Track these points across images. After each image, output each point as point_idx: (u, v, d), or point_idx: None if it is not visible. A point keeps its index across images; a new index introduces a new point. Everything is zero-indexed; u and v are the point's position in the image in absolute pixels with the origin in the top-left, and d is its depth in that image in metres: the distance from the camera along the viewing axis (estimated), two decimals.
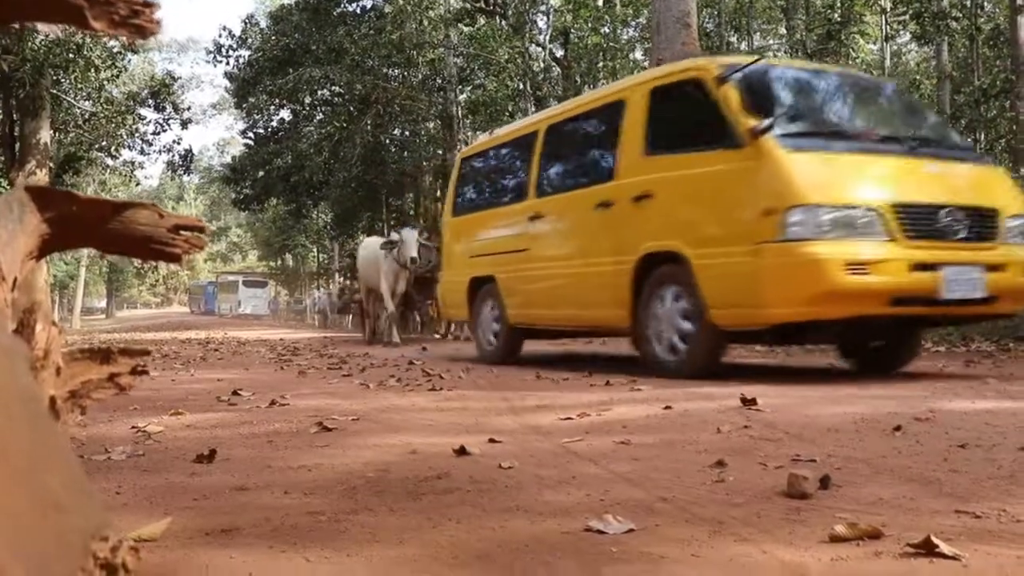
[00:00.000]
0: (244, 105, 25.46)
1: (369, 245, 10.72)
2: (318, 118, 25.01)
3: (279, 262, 50.84)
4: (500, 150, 6.75)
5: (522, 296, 5.96)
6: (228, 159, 39.96)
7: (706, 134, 4.37)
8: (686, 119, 4.70)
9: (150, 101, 18.26)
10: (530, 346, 7.24)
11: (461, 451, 2.27)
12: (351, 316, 18.32)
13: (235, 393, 4.02)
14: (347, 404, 3.55)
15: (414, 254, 9.49)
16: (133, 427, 2.90)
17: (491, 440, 2.48)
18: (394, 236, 9.91)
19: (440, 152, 24.23)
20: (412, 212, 29.43)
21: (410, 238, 9.56)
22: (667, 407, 3.14)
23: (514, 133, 6.55)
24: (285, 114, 26.56)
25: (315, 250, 42.96)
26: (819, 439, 2.40)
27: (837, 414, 2.91)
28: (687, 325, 4.45)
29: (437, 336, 12.25)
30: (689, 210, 4.44)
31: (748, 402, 3.12)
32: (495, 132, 7.19)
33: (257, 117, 26.42)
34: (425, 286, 10.41)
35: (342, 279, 33.66)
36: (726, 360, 5.10)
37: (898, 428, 2.51)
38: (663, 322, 4.57)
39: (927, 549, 1.26)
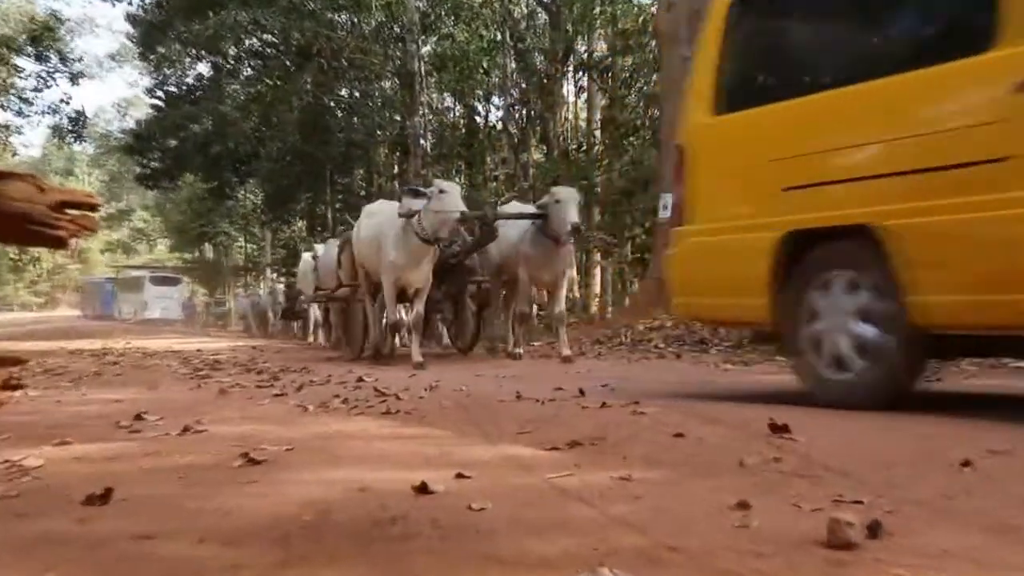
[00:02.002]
0: (151, 56, 25.32)
1: (377, 211, 9.01)
2: (245, 74, 24.95)
3: (196, 254, 50.49)
4: None
5: (970, 265, 3.62)
6: (131, 124, 39.67)
7: None
8: None
9: (29, 48, 18.04)
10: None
11: (422, 488, 2.25)
12: (303, 323, 17.99)
13: (138, 417, 3.98)
14: (280, 430, 3.52)
15: (464, 208, 7.75)
16: (5, 461, 2.85)
17: (459, 475, 2.47)
18: (428, 190, 7.97)
19: (398, 118, 24.20)
20: (363, 192, 29.37)
21: (455, 190, 7.94)
22: (678, 434, 3.14)
23: None
24: (203, 68, 26.45)
25: (242, 239, 42.73)
26: (867, 475, 2.41)
27: (890, 444, 2.93)
28: None
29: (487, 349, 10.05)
30: None
31: (778, 428, 3.12)
32: None
33: (168, 72, 26.28)
34: (452, 277, 9.07)
35: (275, 275, 33.51)
36: None
37: (967, 463, 2.53)
38: None
39: None
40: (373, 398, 4.81)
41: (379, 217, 8.67)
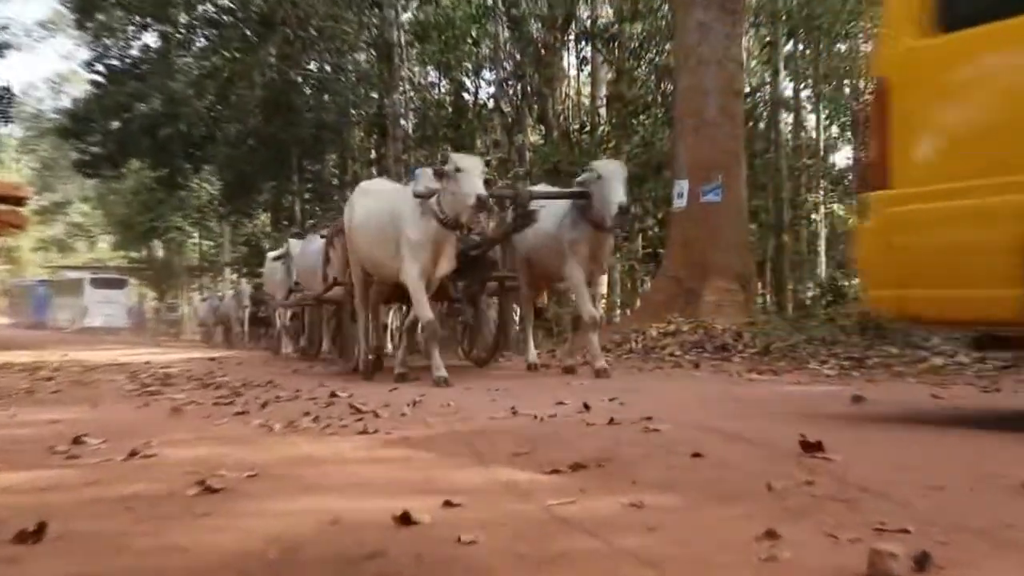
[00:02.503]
0: (90, 24, 25.26)
1: (378, 190, 8.51)
2: (199, 45, 24.88)
3: (144, 252, 50.37)
4: None
5: None
6: (67, 103, 39.58)
7: None
8: None
9: None
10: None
11: (404, 518, 2.25)
12: (273, 331, 17.66)
13: (77, 441, 3.96)
14: (241, 454, 3.51)
15: (483, 191, 7.01)
16: None
17: (447, 503, 2.47)
18: (447, 167, 7.24)
19: (375, 96, 24.18)
20: (336, 181, 29.36)
21: (474, 168, 7.19)
22: (696, 454, 3.14)
23: None
24: (150, 39, 26.39)
25: (197, 235, 42.66)
26: (914, 499, 2.41)
27: (939, 464, 2.93)
28: None
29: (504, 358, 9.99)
30: None
31: (811, 447, 3.13)
32: None
33: (109, 42, 26.21)
34: (471, 272, 8.49)
35: (236, 275, 33.44)
36: None
37: None
38: None
39: None
40: (348, 416, 4.81)
41: (382, 197, 8.09)
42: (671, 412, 4.48)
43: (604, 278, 9.28)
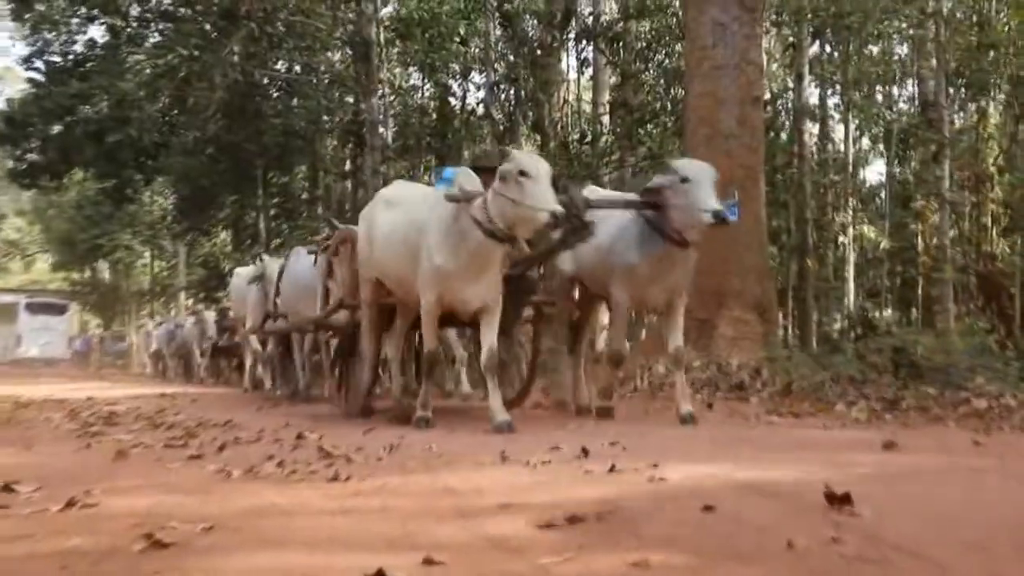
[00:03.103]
0: (27, 16, 25.25)
1: (403, 197, 7.89)
2: (152, 41, 24.87)
3: (88, 274, 50.26)
4: None
5: None
6: (1, 104, 39.56)
7: None
8: None
9: None
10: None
11: None
12: (242, 364, 17.25)
13: (7, 488, 3.94)
14: (195, 504, 3.50)
15: (559, 207, 6.26)
16: None
17: (427, 560, 2.47)
18: (508, 167, 6.42)
19: (351, 100, 24.23)
20: (305, 195, 29.39)
21: (544, 174, 6.42)
22: (707, 507, 3.14)
23: None
24: (97, 32, 26.40)
25: (148, 255, 42.58)
26: (953, 561, 2.41)
27: (981, 519, 2.93)
28: None
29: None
30: None
31: (837, 499, 3.13)
32: None
33: (50, 36, 26.22)
34: (508, 293, 7.42)
35: (192, 301, 33.36)
36: None
37: None
38: None
39: None
40: (317, 460, 4.80)
41: (410, 202, 7.54)
42: (680, 459, 4.48)
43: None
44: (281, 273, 12.33)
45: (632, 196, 7.56)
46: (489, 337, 6.98)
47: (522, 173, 6.32)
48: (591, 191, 7.88)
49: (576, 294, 8.42)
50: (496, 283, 7.00)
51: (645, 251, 7.17)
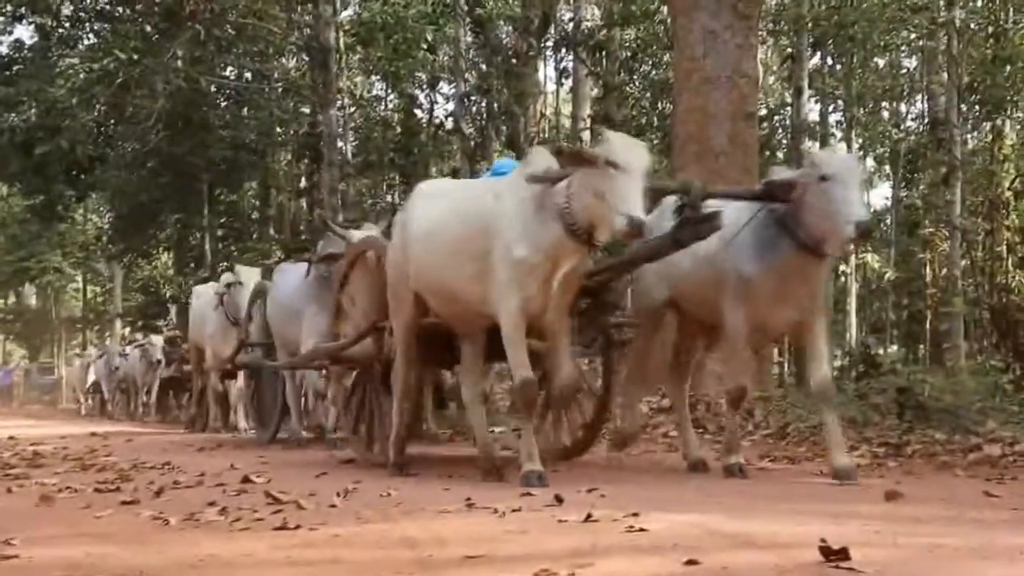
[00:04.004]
0: None
1: (448, 189, 7.30)
2: (87, 43, 24.83)
3: (11, 300, 49.88)
4: None
5: None
6: None
7: None
8: None
9: None
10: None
11: None
12: (192, 398, 16.55)
13: None
14: (127, 555, 3.49)
15: (640, 214, 5.56)
16: None
17: None
18: (598, 150, 5.79)
19: (307, 111, 24.23)
20: (256, 215, 29.31)
21: (638, 165, 5.69)
22: (691, 561, 3.15)
23: None
24: (24, 33, 26.34)
25: (80, 279, 42.33)
26: None
27: None
28: None
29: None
30: None
31: (834, 554, 3.14)
32: None
33: None
34: (587, 312, 7.08)
35: (130, 330, 33.14)
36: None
37: None
38: None
39: None
40: (264, 507, 4.79)
41: (463, 194, 6.82)
42: (662, 507, 4.49)
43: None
44: (258, 294, 11.60)
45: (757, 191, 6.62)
46: (564, 363, 6.27)
47: (611, 163, 5.61)
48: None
49: (669, 319, 7.31)
50: (568, 296, 6.24)
51: (773, 258, 6.20)
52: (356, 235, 8.49)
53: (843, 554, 3.13)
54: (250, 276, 12.64)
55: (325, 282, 9.23)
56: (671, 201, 6.47)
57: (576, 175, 5.77)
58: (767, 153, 20.07)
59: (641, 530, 3.80)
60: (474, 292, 6.23)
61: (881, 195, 30.59)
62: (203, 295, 14.37)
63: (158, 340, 20.83)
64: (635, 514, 4.12)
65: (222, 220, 28.08)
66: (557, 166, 5.89)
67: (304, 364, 9.80)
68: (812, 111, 24.23)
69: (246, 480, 6.11)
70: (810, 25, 21.43)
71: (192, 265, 28.59)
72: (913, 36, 22.38)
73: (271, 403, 11.49)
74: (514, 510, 4.45)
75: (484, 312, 6.23)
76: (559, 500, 4.71)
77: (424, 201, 6.87)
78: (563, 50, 22.66)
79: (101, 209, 32.71)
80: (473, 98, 22.69)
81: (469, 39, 22.31)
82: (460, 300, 6.46)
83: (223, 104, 25.25)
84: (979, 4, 21.14)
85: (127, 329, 34.61)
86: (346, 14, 22.66)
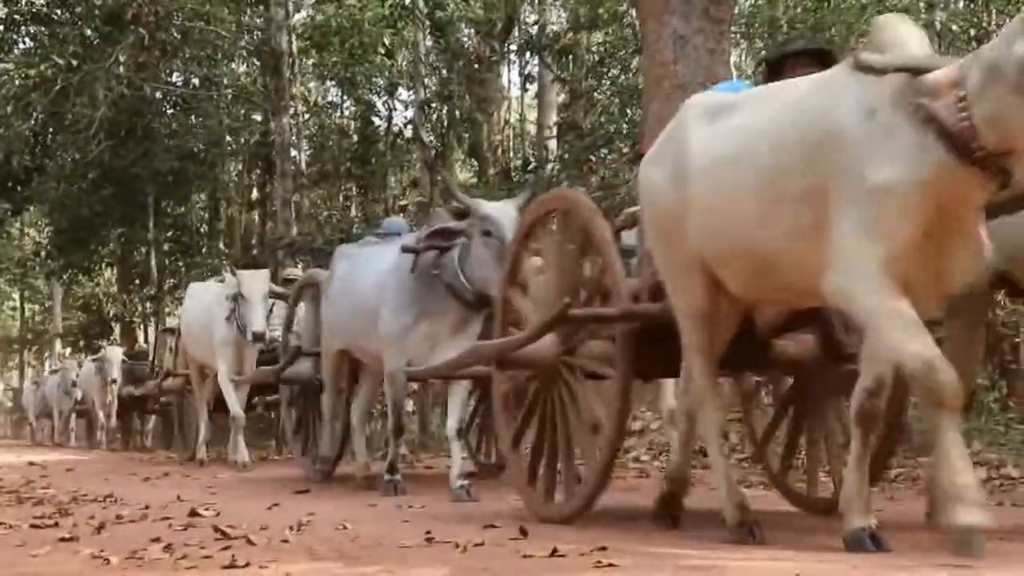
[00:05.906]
0: None
1: (727, 102, 5.25)
2: (23, 47, 24.73)
3: None
4: None
5: None
6: None
7: None
8: None
9: None
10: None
11: None
12: (176, 420, 15.53)
13: None
14: None
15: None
16: None
17: None
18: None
19: (258, 119, 24.19)
20: (204, 228, 29.19)
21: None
22: None
23: None
24: None
25: (16, 297, 42.13)
26: None
27: None
28: None
29: None
30: None
31: None
32: None
33: None
34: None
35: (70, 351, 32.95)
36: None
37: None
38: None
39: None
40: (212, 543, 4.77)
41: (766, 104, 4.74)
42: (633, 539, 4.48)
43: None
44: (306, 287, 10.08)
45: None
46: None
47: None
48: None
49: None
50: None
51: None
52: (485, 204, 7.76)
53: None
54: (254, 283, 11.33)
55: (415, 274, 7.81)
56: None
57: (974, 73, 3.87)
58: None
59: (610, 565, 3.80)
60: (798, 252, 4.31)
61: None
62: (204, 295, 12.90)
63: (115, 353, 19.09)
64: (603, 548, 4.11)
65: (168, 234, 27.97)
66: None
67: (456, 370, 7.28)
68: None
69: (193, 513, 6.08)
70: (785, 28, 21.56)
71: (137, 282, 28.45)
72: None
73: (333, 432, 9.39)
74: (476, 544, 4.45)
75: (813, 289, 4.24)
76: (524, 533, 4.71)
77: (709, 116, 5.19)
78: (528, 54, 22.72)
79: (39, 223, 32.49)
80: (433, 105, 22.71)
81: (429, 43, 22.33)
82: (779, 273, 4.52)
83: (169, 112, 25.18)
84: (961, 6, 21.29)
85: (67, 349, 34.40)
86: (299, 17, 22.61)
